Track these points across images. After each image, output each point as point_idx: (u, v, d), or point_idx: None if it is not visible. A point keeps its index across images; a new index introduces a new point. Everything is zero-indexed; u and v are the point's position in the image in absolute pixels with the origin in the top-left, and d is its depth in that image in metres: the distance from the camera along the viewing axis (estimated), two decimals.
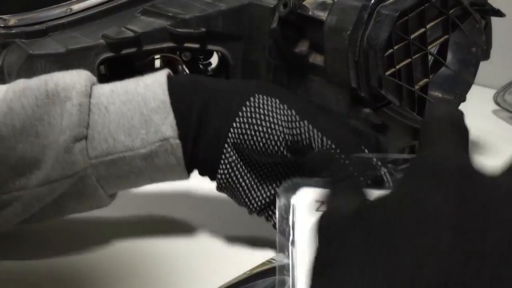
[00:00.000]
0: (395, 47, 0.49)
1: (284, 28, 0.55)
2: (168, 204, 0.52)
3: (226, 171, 0.42)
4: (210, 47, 0.59)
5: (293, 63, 0.58)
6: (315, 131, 0.39)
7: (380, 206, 0.21)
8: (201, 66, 0.64)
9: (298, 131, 0.39)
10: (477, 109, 0.81)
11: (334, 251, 0.21)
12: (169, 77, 0.42)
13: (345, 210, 0.22)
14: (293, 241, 0.29)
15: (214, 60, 0.66)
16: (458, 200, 0.19)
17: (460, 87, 0.59)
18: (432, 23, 0.52)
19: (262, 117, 0.40)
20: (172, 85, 0.41)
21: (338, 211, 0.22)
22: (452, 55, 0.57)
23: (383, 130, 0.55)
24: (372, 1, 0.48)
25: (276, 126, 0.40)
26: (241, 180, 0.42)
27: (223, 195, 0.44)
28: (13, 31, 0.61)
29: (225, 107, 0.41)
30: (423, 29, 0.52)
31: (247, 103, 0.40)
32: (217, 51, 0.62)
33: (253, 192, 0.43)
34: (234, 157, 0.41)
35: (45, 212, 0.42)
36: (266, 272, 0.39)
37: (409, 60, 0.51)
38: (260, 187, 0.43)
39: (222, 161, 0.41)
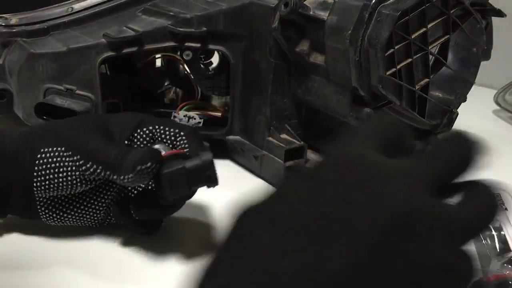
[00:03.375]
0: (396, 47, 0.49)
1: (285, 28, 0.55)
2: None
3: (45, 213, 0.46)
4: (211, 46, 0.59)
5: (294, 63, 0.58)
6: (92, 161, 0.42)
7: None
8: (202, 66, 0.64)
9: (85, 168, 0.42)
10: (478, 109, 0.81)
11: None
12: None
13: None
14: None
15: (215, 59, 0.67)
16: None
17: (460, 87, 0.59)
18: (433, 23, 0.52)
19: (55, 171, 0.43)
20: None
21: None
22: (452, 55, 0.57)
23: None
24: (373, 1, 0.48)
25: (70, 175, 0.43)
26: (65, 213, 0.46)
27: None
28: (15, 30, 0.61)
29: (18, 166, 0.44)
30: (424, 29, 0.52)
31: (37, 161, 0.43)
32: (218, 51, 0.62)
33: (86, 214, 0.47)
34: (45, 199, 0.45)
35: None
36: None
37: (409, 60, 0.51)
38: (93, 205, 0.46)
39: (38, 207, 0.45)
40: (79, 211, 0.46)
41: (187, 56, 0.62)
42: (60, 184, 0.43)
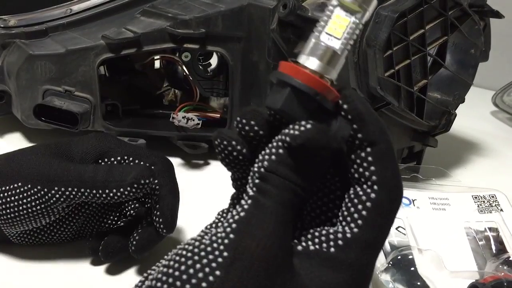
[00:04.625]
0: (394, 48, 0.49)
1: (284, 29, 0.55)
2: None
3: (17, 240, 0.44)
4: (209, 48, 0.60)
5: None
6: (69, 191, 0.40)
7: None
8: (200, 67, 0.64)
9: (54, 200, 0.40)
10: (476, 110, 0.81)
11: None
12: None
13: None
14: None
15: (214, 61, 0.67)
16: None
17: (458, 88, 0.59)
18: (431, 24, 0.53)
19: (15, 210, 0.40)
20: None
21: None
22: (451, 56, 0.57)
23: None
24: None
25: (29, 206, 0.40)
26: (37, 238, 0.44)
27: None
28: (13, 32, 0.61)
29: None
30: (422, 30, 0.52)
31: None
32: (216, 52, 0.62)
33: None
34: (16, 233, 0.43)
35: None
36: None
37: (408, 61, 0.51)
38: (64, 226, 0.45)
39: (8, 236, 0.44)
40: (51, 235, 0.44)
41: (185, 58, 0.63)
42: (24, 221, 0.40)
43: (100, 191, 0.39)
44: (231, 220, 0.24)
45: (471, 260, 0.45)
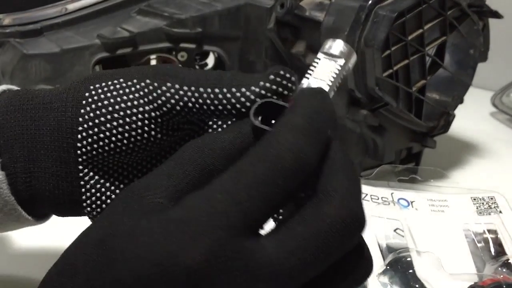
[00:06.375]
0: (392, 48, 0.49)
1: (281, 29, 0.55)
2: None
3: (93, 201, 0.31)
4: (206, 47, 0.59)
5: (289, 64, 0.57)
6: (185, 90, 0.28)
7: None
8: (197, 67, 0.64)
9: (164, 98, 0.28)
10: (475, 111, 0.81)
11: None
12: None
13: None
14: None
15: (211, 60, 0.66)
16: None
17: (457, 89, 0.59)
18: (429, 24, 0.52)
19: (111, 104, 0.29)
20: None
21: None
22: (449, 57, 0.57)
23: (380, 132, 0.55)
24: (370, 2, 0.48)
25: (130, 104, 0.29)
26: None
27: None
28: (8, 31, 0.61)
29: (59, 115, 0.30)
30: (420, 30, 0.51)
31: (84, 101, 0.30)
32: (213, 52, 0.62)
33: None
34: (96, 177, 0.30)
35: None
36: None
37: (406, 61, 0.51)
38: None
39: (83, 190, 0.30)
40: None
41: (182, 57, 0.62)
42: (114, 127, 0.29)
43: (225, 90, 0.27)
44: None
45: (470, 262, 0.45)
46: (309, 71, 0.29)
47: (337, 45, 0.29)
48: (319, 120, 0.24)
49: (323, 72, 0.29)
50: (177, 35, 0.58)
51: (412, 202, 0.51)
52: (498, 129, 0.82)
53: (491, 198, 0.52)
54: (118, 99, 0.29)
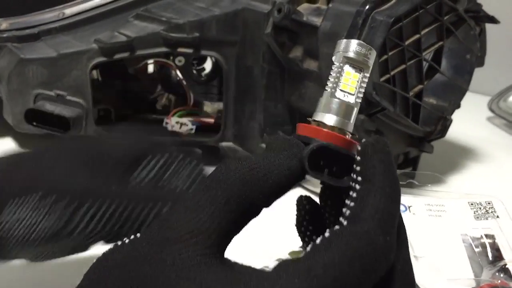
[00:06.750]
0: (389, 53, 0.49)
1: (278, 34, 0.55)
2: None
3: None
4: (203, 52, 0.59)
5: (287, 69, 0.57)
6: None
7: None
8: (194, 72, 0.64)
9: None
10: (472, 116, 0.81)
11: None
12: None
13: None
14: None
15: (208, 65, 0.66)
16: None
17: (454, 94, 0.59)
18: (426, 30, 0.52)
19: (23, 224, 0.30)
20: None
21: None
22: (446, 62, 0.57)
23: None
24: (367, 7, 0.48)
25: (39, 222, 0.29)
26: None
27: None
28: (5, 35, 0.60)
29: None
30: (417, 36, 0.51)
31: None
32: (210, 56, 0.62)
33: None
34: None
35: None
36: None
37: (403, 66, 0.51)
38: None
39: None
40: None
41: (179, 62, 0.62)
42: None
43: None
44: None
45: (467, 267, 0.45)
46: (331, 79, 0.27)
47: (358, 48, 0.27)
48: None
49: (349, 84, 0.27)
50: (174, 39, 0.57)
51: (409, 207, 0.51)
52: (495, 134, 0.83)
53: (489, 203, 0.52)
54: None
